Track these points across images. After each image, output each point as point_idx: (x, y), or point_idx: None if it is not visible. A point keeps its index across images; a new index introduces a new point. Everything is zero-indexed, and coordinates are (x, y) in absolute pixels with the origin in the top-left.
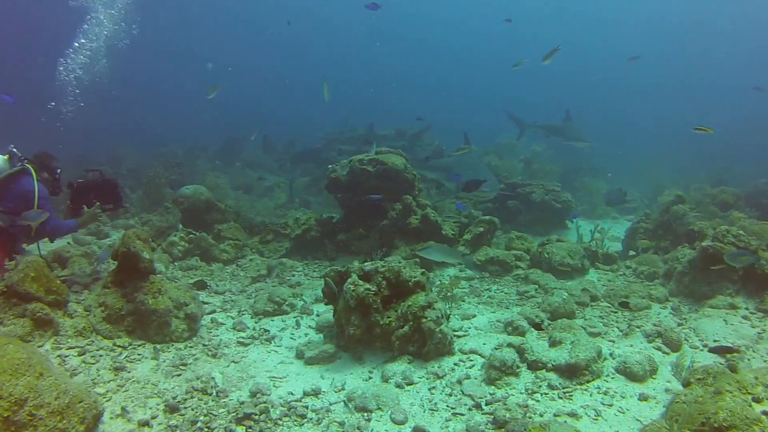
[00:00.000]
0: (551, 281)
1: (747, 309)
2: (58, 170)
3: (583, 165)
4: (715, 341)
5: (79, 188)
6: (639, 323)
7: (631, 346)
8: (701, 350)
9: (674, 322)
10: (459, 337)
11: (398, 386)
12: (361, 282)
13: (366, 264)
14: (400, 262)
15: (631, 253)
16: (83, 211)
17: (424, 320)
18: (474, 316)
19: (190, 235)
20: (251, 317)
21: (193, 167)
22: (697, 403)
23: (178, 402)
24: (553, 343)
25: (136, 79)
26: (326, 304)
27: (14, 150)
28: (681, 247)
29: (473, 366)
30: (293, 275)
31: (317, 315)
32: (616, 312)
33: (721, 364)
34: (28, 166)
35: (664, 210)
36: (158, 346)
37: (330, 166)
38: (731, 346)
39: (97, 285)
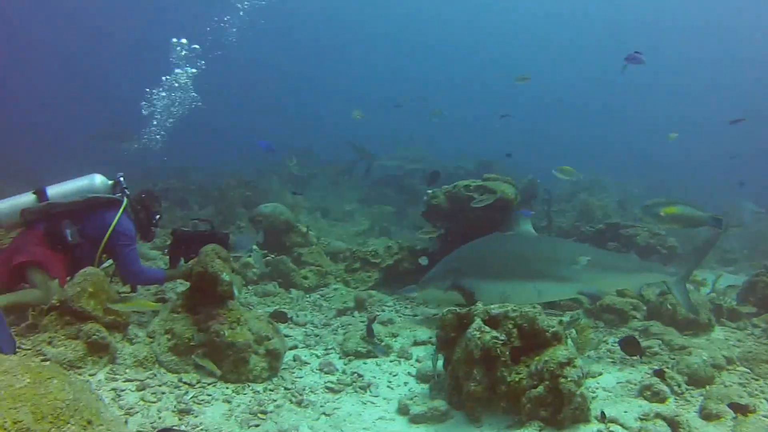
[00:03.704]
0: (676, 336)
1: None
2: (158, 215)
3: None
4: None
5: (180, 237)
6: None
7: None
8: None
9: None
10: None
11: None
12: (487, 329)
13: (492, 307)
14: (534, 308)
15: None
16: (178, 264)
17: (562, 380)
18: (600, 374)
19: (267, 257)
20: (340, 357)
21: (268, 188)
22: None
23: None
24: (708, 416)
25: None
26: (439, 351)
27: (121, 179)
28: None
29: None
30: (383, 310)
31: (417, 360)
32: (757, 380)
33: None
34: (124, 199)
35: None
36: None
37: (429, 191)
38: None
39: (163, 307)
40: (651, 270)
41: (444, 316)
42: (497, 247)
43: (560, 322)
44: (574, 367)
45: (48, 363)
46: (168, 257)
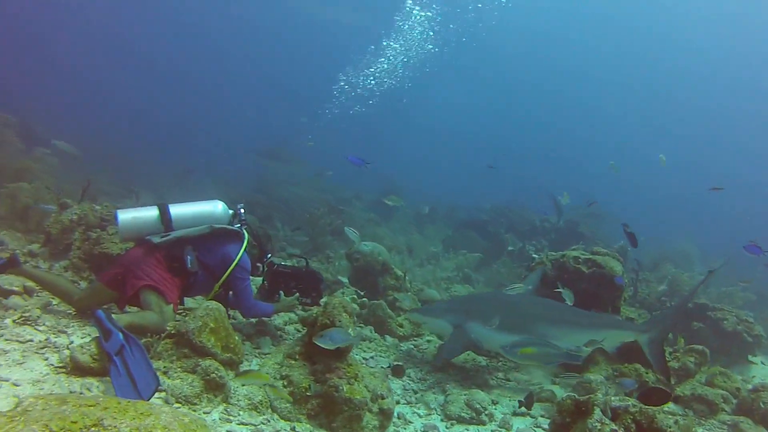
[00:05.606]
0: None
1: None
2: (269, 255)
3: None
4: None
5: (278, 273)
6: None
7: None
8: None
9: None
10: None
11: None
12: (608, 421)
13: (614, 399)
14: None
15: None
16: (278, 297)
17: None
18: None
19: (363, 299)
20: (442, 420)
21: (351, 214)
22: None
23: None
24: None
25: None
26: None
27: (242, 211)
28: None
29: None
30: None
31: None
32: None
33: None
34: (245, 234)
35: None
36: None
37: (536, 256)
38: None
39: (276, 351)
40: (621, 328)
41: (562, 401)
42: (502, 301)
43: (676, 422)
44: None
45: (190, 413)
46: (265, 291)
